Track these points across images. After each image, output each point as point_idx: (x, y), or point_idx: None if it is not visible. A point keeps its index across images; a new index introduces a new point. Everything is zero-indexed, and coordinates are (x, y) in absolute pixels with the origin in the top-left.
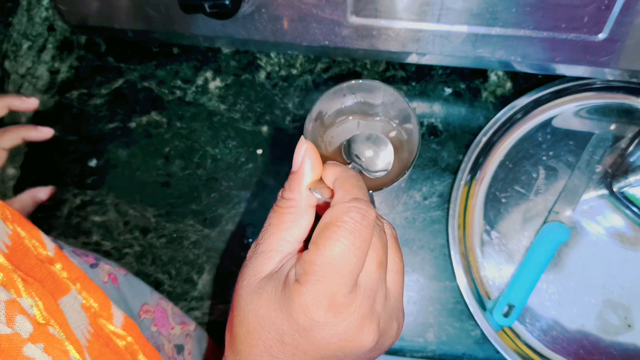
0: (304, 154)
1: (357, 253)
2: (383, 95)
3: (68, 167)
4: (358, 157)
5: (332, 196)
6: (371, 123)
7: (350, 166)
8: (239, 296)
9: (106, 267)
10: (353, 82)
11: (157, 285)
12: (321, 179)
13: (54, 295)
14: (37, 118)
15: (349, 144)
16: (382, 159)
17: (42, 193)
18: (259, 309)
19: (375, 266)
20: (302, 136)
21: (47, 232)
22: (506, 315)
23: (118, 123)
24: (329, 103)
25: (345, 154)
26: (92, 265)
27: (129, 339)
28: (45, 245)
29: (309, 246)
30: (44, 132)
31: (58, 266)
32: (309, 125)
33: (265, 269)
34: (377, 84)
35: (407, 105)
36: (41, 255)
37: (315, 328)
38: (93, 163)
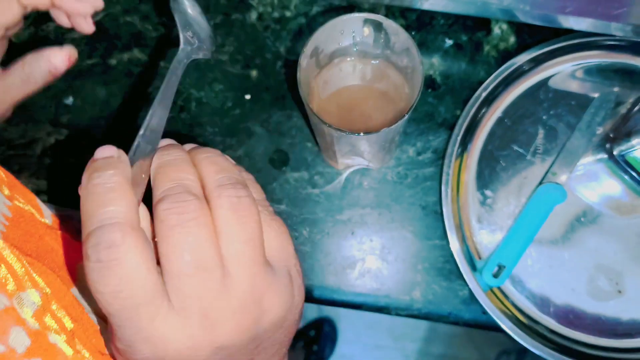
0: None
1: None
2: (386, 33)
3: (42, 104)
4: None
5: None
6: (368, 67)
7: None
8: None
9: None
10: (354, 14)
11: None
12: None
13: (64, 280)
14: (9, 50)
15: None
16: None
17: (59, 58)
18: None
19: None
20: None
21: (18, 172)
22: (496, 275)
23: (97, 59)
24: (325, 39)
25: None
26: (79, 231)
27: None
28: (42, 212)
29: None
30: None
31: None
32: (303, 61)
33: None
34: (381, 18)
35: (412, 44)
36: (42, 226)
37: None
38: (69, 101)
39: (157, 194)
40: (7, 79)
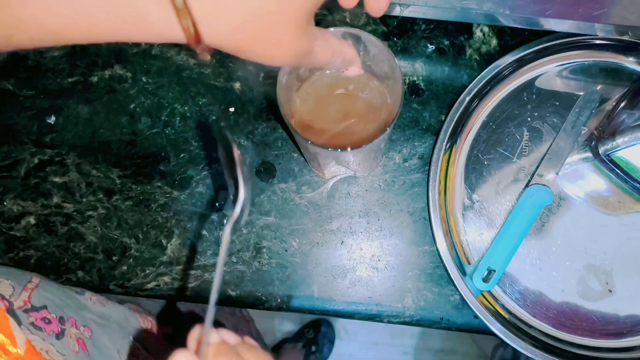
0: None
1: None
2: (365, 46)
3: (24, 124)
4: None
5: None
6: (349, 79)
7: None
8: None
9: (72, 331)
10: (332, 29)
11: (123, 250)
12: None
13: None
14: None
15: None
16: None
17: None
18: None
19: None
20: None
21: (3, 194)
22: (486, 280)
23: (78, 77)
24: None
25: None
26: (58, 336)
27: None
28: (15, 342)
29: None
30: None
31: None
32: (282, 78)
33: None
34: (359, 32)
35: (391, 57)
36: (10, 355)
37: None
38: (52, 120)
39: None
40: None
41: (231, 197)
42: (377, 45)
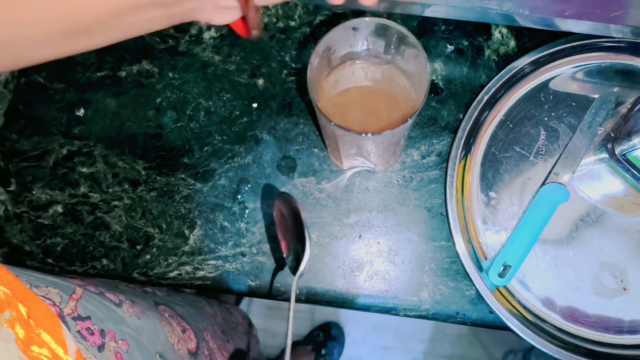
0: None
1: None
2: (395, 38)
3: (54, 115)
4: None
5: None
6: (378, 71)
7: None
8: None
9: (111, 344)
10: (368, 19)
11: (147, 240)
12: None
13: None
14: None
15: None
16: None
17: None
18: None
19: None
20: None
21: (32, 183)
22: (502, 275)
23: (107, 71)
24: (338, 39)
25: None
26: (100, 348)
27: None
28: (67, 349)
29: None
30: None
31: None
32: (314, 60)
33: None
34: (389, 23)
35: (423, 54)
36: None
37: None
38: (80, 112)
39: None
40: None
41: (290, 252)
42: (409, 38)
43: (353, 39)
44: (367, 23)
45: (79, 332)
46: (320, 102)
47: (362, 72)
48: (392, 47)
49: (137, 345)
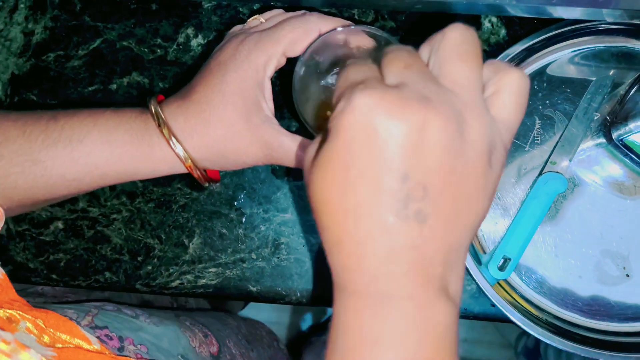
0: None
1: None
2: (381, 44)
3: None
4: None
5: None
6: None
7: None
8: None
9: (130, 348)
10: (353, 27)
11: (147, 251)
12: None
13: None
14: (13, 82)
15: None
16: None
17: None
18: None
19: None
20: None
21: None
22: (501, 268)
23: (98, 85)
24: (324, 49)
25: None
26: (120, 349)
27: None
28: (90, 342)
29: None
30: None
31: None
32: (300, 69)
33: None
34: (377, 30)
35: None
36: (89, 351)
37: None
38: None
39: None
40: None
41: None
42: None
43: (339, 47)
44: (352, 32)
45: (98, 337)
46: (309, 111)
47: None
48: (380, 53)
49: (157, 348)
